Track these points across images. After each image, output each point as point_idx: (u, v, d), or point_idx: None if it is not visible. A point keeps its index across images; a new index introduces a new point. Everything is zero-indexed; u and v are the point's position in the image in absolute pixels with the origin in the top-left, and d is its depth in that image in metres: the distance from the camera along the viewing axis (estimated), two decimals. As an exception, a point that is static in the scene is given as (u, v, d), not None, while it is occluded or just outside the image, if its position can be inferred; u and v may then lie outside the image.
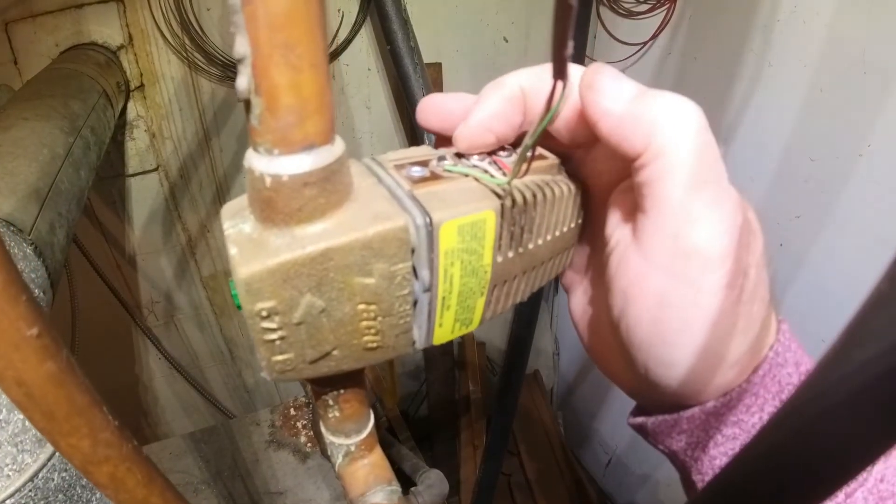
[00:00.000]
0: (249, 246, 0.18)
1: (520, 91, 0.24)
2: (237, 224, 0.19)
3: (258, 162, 0.17)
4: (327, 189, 0.18)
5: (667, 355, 0.22)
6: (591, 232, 0.29)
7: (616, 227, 0.25)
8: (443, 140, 0.28)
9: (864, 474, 0.23)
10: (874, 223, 1.19)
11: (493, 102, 0.24)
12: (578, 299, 0.31)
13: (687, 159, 0.20)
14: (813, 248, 1.31)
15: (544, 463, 2.21)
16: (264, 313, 0.18)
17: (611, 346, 0.27)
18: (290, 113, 0.16)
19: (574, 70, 0.23)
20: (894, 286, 0.10)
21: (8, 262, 0.20)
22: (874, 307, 0.11)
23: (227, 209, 0.20)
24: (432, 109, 0.27)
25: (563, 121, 0.24)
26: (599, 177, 0.27)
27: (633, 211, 0.23)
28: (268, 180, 0.17)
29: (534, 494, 2.12)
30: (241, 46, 0.15)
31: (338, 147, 0.18)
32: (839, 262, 1.28)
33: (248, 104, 0.16)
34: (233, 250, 0.18)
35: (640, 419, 0.28)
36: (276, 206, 0.18)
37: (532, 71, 0.24)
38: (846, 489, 0.22)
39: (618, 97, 0.21)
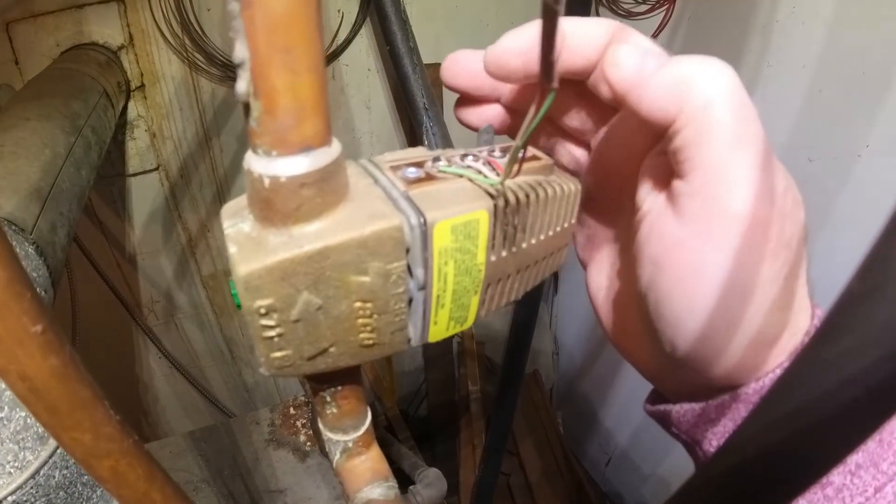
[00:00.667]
0: (248, 245, 0.19)
1: (566, 32, 0.23)
2: (237, 223, 0.19)
3: (257, 163, 0.18)
4: (324, 189, 0.18)
5: (699, 330, 0.21)
6: (616, 202, 0.28)
7: (648, 195, 0.24)
8: (467, 101, 0.28)
9: (893, 468, 0.22)
10: (873, 223, 1.19)
11: (528, 32, 0.23)
12: (596, 274, 0.29)
13: (724, 117, 0.19)
14: (811, 248, 1.32)
15: (544, 463, 2.21)
16: (263, 310, 0.19)
17: (633, 323, 0.26)
18: (288, 115, 0.17)
19: (612, 25, 0.23)
20: (865, 284, 0.11)
21: (12, 259, 0.20)
22: (847, 304, 0.11)
23: (227, 209, 0.20)
24: (461, 67, 0.26)
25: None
26: (629, 142, 0.26)
27: (667, 177, 0.22)
28: (266, 181, 0.18)
29: (533, 494, 2.12)
30: (241, 51, 0.16)
31: (335, 148, 0.19)
32: (837, 261, 1.28)
33: (247, 107, 0.17)
34: (232, 249, 0.18)
35: (661, 407, 0.26)
36: (274, 206, 0.18)
37: (585, 21, 0.23)
38: (875, 483, 0.22)
39: (644, 70, 0.21)
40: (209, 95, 1.47)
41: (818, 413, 0.12)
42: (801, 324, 0.23)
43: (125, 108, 1.36)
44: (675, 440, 0.28)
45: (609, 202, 0.28)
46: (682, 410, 0.25)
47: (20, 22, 1.21)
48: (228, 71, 1.43)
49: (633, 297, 0.25)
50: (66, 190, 0.77)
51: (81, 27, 1.27)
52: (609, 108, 0.26)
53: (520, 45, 0.23)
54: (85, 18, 1.26)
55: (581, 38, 0.22)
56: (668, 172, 0.22)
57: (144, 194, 1.53)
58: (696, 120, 0.20)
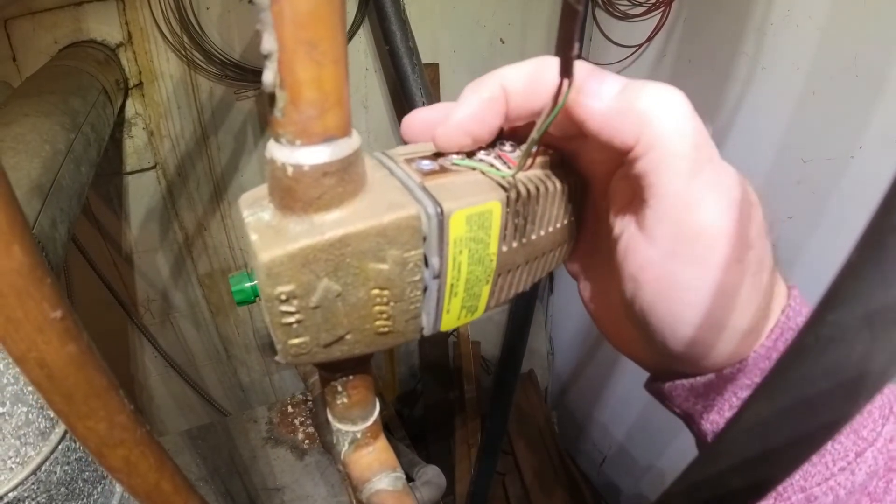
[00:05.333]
0: (270, 233, 0.19)
1: (500, 91, 0.24)
2: (256, 213, 0.20)
3: (280, 152, 0.18)
4: (345, 179, 0.19)
5: (682, 332, 0.23)
6: (594, 219, 0.30)
7: (618, 215, 0.25)
8: None
9: (873, 434, 0.23)
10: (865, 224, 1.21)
11: (470, 104, 0.24)
12: (587, 284, 0.31)
13: (679, 147, 0.21)
14: (805, 249, 1.33)
15: (539, 462, 2.22)
16: (283, 297, 0.19)
17: (625, 324, 0.28)
18: (312, 106, 0.17)
19: (546, 67, 0.24)
20: (863, 257, 0.11)
21: (33, 246, 0.20)
22: (846, 276, 0.12)
23: (245, 199, 0.21)
24: (416, 125, 0.27)
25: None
26: (595, 166, 0.27)
27: (633, 199, 0.24)
28: (289, 170, 0.18)
29: (528, 493, 2.13)
30: (268, 43, 0.16)
31: (355, 139, 0.19)
32: (831, 262, 1.28)
33: (272, 98, 0.17)
34: (254, 236, 0.19)
35: (657, 384, 0.29)
36: (295, 195, 0.19)
37: (514, 69, 0.24)
38: (856, 449, 0.23)
39: (601, 95, 0.22)
40: (207, 94, 1.47)
41: (822, 378, 0.13)
42: (777, 305, 0.25)
43: (123, 105, 1.36)
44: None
45: (588, 220, 0.31)
46: (674, 385, 0.27)
47: (18, 19, 1.21)
48: (227, 69, 1.42)
49: (622, 306, 0.27)
50: (67, 186, 0.77)
51: (80, 24, 1.26)
52: (561, 139, 0.27)
53: (461, 122, 0.24)
54: (83, 16, 1.26)
55: (536, 80, 0.23)
56: (632, 195, 0.24)
57: (141, 192, 1.53)
58: (654, 149, 0.21)
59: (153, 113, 1.43)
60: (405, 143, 0.27)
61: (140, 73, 1.37)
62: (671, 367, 0.27)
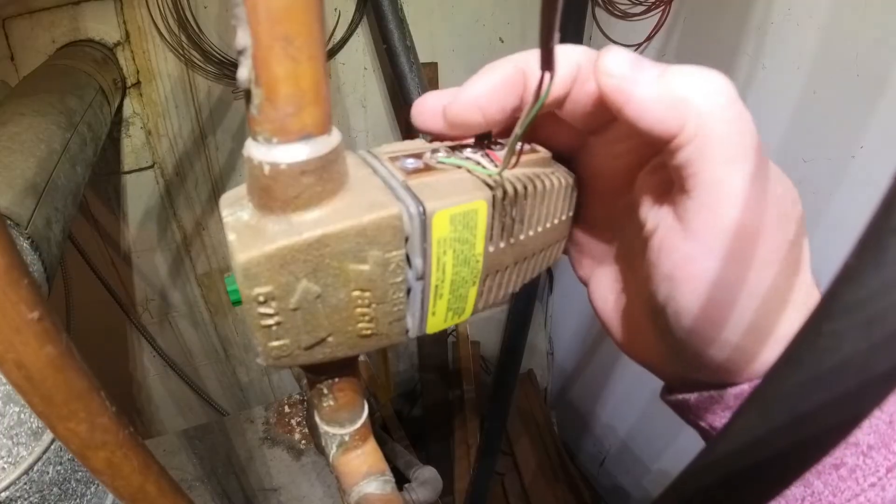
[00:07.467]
0: (248, 232, 0.19)
1: (518, 73, 0.23)
2: (235, 212, 0.19)
3: (257, 150, 0.18)
4: (324, 178, 0.18)
5: (722, 336, 0.22)
6: (611, 218, 0.28)
7: (650, 210, 0.24)
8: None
9: None
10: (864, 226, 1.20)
11: (486, 80, 0.23)
12: (601, 289, 0.29)
13: (726, 135, 0.20)
14: (805, 249, 1.32)
15: (538, 462, 2.22)
16: (261, 298, 0.19)
17: (645, 331, 0.26)
18: (289, 103, 0.17)
19: (580, 53, 0.23)
20: (861, 261, 0.11)
21: (10, 246, 0.20)
22: (843, 282, 0.11)
23: (226, 198, 0.20)
24: (428, 110, 0.25)
25: (580, 106, 0.23)
26: (618, 160, 0.26)
27: (668, 192, 0.23)
28: (266, 168, 0.18)
29: (527, 494, 2.12)
30: (242, 38, 0.16)
31: (334, 137, 0.19)
32: (832, 263, 1.28)
33: (247, 94, 0.17)
34: (231, 236, 0.18)
35: (680, 395, 0.27)
36: (273, 194, 0.18)
37: (534, 53, 0.22)
38: (887, 463, 0.22)
39: (641, 80, 0.20)
40: (205, 93, 1.47)
41: (817, 391, 0.12)
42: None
43: (121, 105, 1.36)
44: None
45: (601, 219, 0.29)
46: (702, 398, 0.25)
47: (16, 18, 1.20)
48: (225, 68, 1.42)
49: (645, 309, 0.25)
50: (62, 186, 0.77)
51: (77, 24, 1.26)
52: (584, 133, 0.26)
53: (476, 97, 0.23)
54: (81, 15, 1.26)
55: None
56: (667, 186, 0.23)
57: (139, 192, 1.53)
58: (699, 137, 0.20)
59: (151, 112, 1.43)
60: (416, 129, 0.26)
61: (138, 72, 1.37)
62: (696, 378, 0.25)
